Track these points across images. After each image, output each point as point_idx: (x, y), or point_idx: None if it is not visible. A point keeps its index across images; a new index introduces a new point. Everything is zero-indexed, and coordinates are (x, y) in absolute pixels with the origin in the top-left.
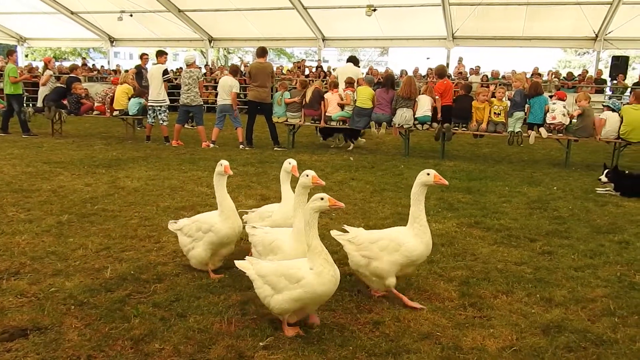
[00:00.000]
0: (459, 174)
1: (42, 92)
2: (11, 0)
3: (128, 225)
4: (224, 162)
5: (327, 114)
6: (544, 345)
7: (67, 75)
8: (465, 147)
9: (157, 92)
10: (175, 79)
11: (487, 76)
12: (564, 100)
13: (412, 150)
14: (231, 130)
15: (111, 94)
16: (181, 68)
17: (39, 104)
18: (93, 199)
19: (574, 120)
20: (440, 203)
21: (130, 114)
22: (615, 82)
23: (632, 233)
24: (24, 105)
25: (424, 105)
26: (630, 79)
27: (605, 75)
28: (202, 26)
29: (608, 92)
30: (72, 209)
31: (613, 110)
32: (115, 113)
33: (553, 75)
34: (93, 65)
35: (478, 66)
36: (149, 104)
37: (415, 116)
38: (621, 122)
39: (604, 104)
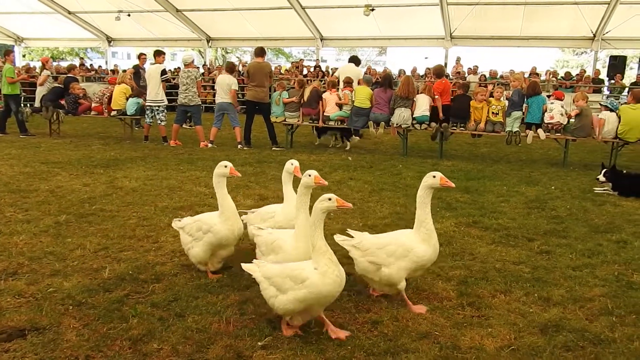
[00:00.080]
0: (457, 174)
1: (40, 92)
2: (8, 0)
3: (126, 225)
4: (229, 164)
5: (325, 113)
6: (542, 345)
7: (65, 76)
8: (463, 147)
9: (155, 92)
10: (173, 78)
11: (485, 76)
12: (561, 100)
13: (411, 150)
14: (229, 130)
15: (108, 94)
16: (179, 68)
17: (37, 104)
18: (91, 199)
19: (572, 120)
20: (438, 203)
21: (128, 114)
22: (612, 81)
23: (629, 232)
24: (22, 105)
25: (422, 105)
26: (628, 78)
27: (603, 75)
28: (200, 26)
29: (606, 91)
30: (70, 209)
31: (611, 110)
32: (113, 113)
33: (551, 75)
34: (91, 65)
35: (476, 66)
36: (147, 104)
37: (414, 116)
38: (619, 121)
39: (602, 103)
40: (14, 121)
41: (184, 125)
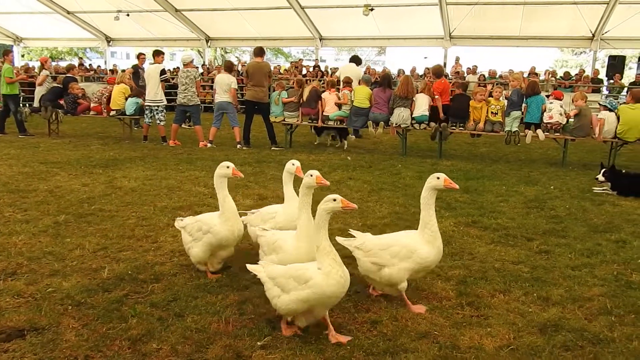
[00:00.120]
0: (457, 174)
1: (39, 92)
2: (7, 0)
3: (125, 225)
4: (231, 165)
5: (324, 113)
6: (541, 344)
7: (64, 75)
8: (462, 147)
9: (155, 92)
10: (173, 78)
11: (484, 76)
12: (560, 100)
13: (410, 150)
14: (228, 130)
15: (107, 94)
16: (178, 68)
17: (36, 104)
18: (90, 199)
19: (571, 120)
20: (437, 202)
21: (127, 113)
22: (612, 81)
23: (628, 232)
24: (21, 105)
25: (422, 105)
26: (627, 78)
27: (602, 75)
28: (199, 26)
29: (605, 91)
30: (69, 209)
31: (610, 110)
32: (112, 113)
33: (550, 75)
34: (90, 65)
35: (475, 66)
36: (146, 103)
37: (413, 116)
38: (618, 121)
39: (601, 103)
40: (13, 121)
41: (183, 125)
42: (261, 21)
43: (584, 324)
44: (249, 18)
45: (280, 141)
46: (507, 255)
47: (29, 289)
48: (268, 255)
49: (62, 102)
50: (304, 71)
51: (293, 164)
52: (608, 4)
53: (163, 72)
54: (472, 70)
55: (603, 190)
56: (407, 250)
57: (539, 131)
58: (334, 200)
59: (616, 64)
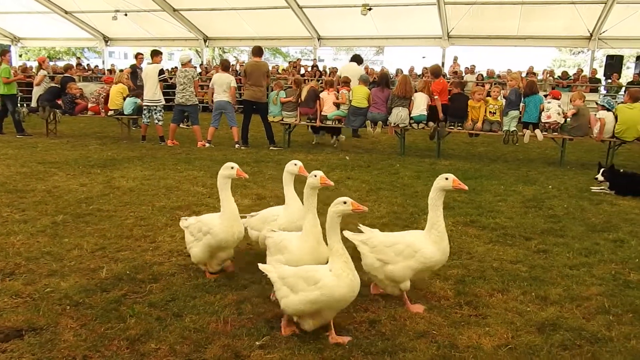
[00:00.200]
0: (455, 173)
1: (36, 92)
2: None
3: (123, 225)
4: (235, 165)
5: (322, 113)
6: (539, 343)
7: (62, 75)
8: (460, 146)
9: (153, 92)
10: (171, 78)
11: (482, 75)
12: (558, 99)
13: (408, 150)
14: (227, 129)
15: (104, 94)
16: (176, 67)
17: (33, 104)
18: (88, 199)
19: (569, 120)
20: None
21: (125, 113)
22: (609, 81)
23: (626, 231)
24: (18, 105)
25: (420, 105)
26: (625, 78)
27: (600, 75)
28: (197, 25)
29: (602, 91)
30: (67, 209)
31: (607, 110)
32: (110, 113)
33: (548, 75)
34: (87, 65)
35: (473, 65)
36: (144, 103)
37: (411, 115)
38: (616, 121)
39: (598, 102)
40: (11, 121)
41: (181, 125)
42: (259, 21)
43: (582, 323)
44: (247, 18)
45: (279, 141)
46: (505, 254)
47: (27, 289)
48: (274, 255)
49: (60, 102)
50: (302, 71)
51: (295, 164)
52: (606, 3)
53: (161, 72)
54: (470, 70)
55: (601, 189)
56: (411, 249)
57: (537, 131)
58: (344, 202)
59: (614, 64)
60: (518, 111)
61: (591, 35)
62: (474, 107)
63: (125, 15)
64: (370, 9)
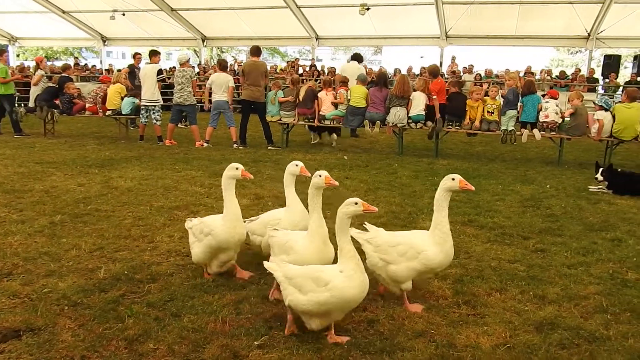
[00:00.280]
0: (453, 173)
1: (34, 92)
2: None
3: (121, 225)
4: (240, 166)
5: (321, 112)
6: (537, 343)
7: (59, 75)
8: (458, 146)
9: (152, 92)
10: (169, 78)
11: (480, 75)
12: (556, 99)
13: (406, 149)
14: (225, 129)
15: (102, 94)
16: (174, 67)
17: (31, 104)
18: (86, 199)
19: (567, 119)
20: (433, 201)
21: (123, 113)
22: (607, 80)
23: (624, 230)
24: (16, 105)
25: (419, 104)
26: (622, 77)
27: (598, 74)
28: (195, 25)
29: (600, 90)
30: (65, 209)
31: (605, 110)
32: (108, 113)
33: (546, 74)
34: (85, 64)
35: (471, 65)
36: (142, 103)
37: (409, 115)
38: (613, 120)
39: (596, 102)
40: (9, 121)
41: (179, 125)
42: (257, 20)
43: (580, 322)
44: (245, 17)
45: (277, 141)
46: (504, 254)
47: (25, 290)
48: (278, 255)
49: (57, 102)
50: (300, 70)
51: (296, 165)
52: (603, 3)
53: (160, 72)
54: (469, 70)
55: (599, 189)
56: (414, 250)
57: (535, 131)
58: (356, 203)
59: (611, 63)
60: (516, 111)
61: (589, 35)
62: (472, 106)
63: (123, 15)
64: (368, 9)
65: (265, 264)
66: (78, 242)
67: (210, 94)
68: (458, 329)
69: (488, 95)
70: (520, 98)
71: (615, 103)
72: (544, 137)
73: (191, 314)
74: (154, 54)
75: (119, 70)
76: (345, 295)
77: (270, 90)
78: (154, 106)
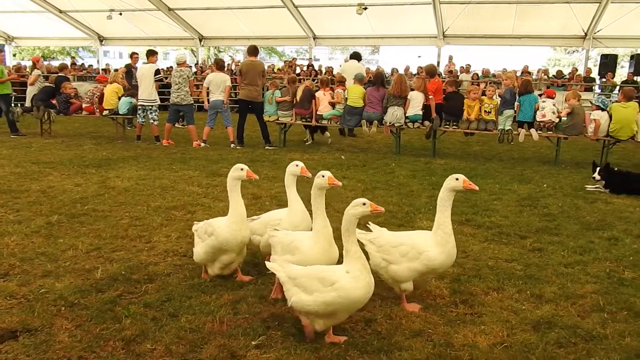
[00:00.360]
0: (450, 172)
1: (31, 91)
2: None
3: (119, 226)
4: (245, 167)
5: (318, 112)
6: (534, 341)
7: (56, 75)
8: (456, 145)
9: (149, 92)
10: (166, 78)
11: (477, 74)
12: (553, 98)
13: (404, 149)
14: (222, 129)
15: (99, 94)
16: (171, 67)
17: (27, 103)
18: (83, 199)
19: (564, 118)
20: (431, 201)
21: (120, 113)
22: (604, 80)
23: (621, 230)
24: (12, 105)
25: (416, 104)
26: (619, 77)
27: (595, 74)
28: (193, 25)
29: (597, 90)
30: (61, 210)
31: (602, 109)
32: (105, 112)
33: (543, 74)
34: (82, 64)
35: (468, 64)
36: (139, 103)
37: (407, 115)
38: (610, 120)
39: (593, 102)
40: (5, 121)
41: (176, 125)
42: (255, 20)
43: (577, 321)
44: (243, 17)
45: (274, 140)
46: (501, 253)
47: (22, 290)
48: (282, 255)
49: (54, 101)
50: (298, 70)
51: (297, 165)
52: (600, 3)
53: (157, 72)
54: (466, 69)
55: (596, 188)
56: (415, 251)
57: (533, 130)
58: (364, 204)
59: (608, 63)
60: (513, 110)
61: (586, 34)
62: (469, 105)
63: (120, 14)
64: (365, 9)
65: (268, 264)
66: (75, 243)
67: (207, 94)
68: (455, 328)
69: (485, 95)
70: (517, 97)
71: (612, 102)
72: (540, 136)
73: (189, 314)
74: (151, 54)
75: (116, 70)
76: (351, 296)
77: (267, 90)
78: (151, 106)
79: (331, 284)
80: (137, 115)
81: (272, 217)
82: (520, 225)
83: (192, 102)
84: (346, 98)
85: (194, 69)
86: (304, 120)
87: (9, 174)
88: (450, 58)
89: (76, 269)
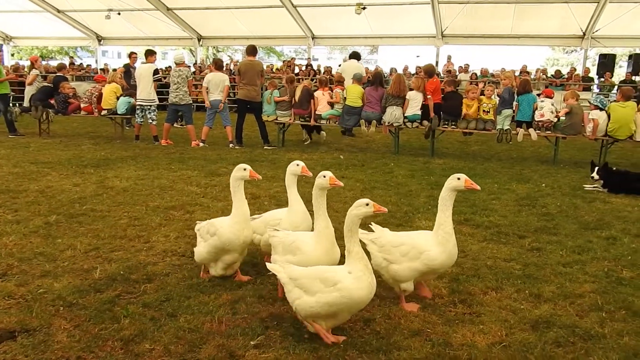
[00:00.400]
0: (449, 172)
1: (29, 91)
2: None
3: (117, 225)
4: (248, 167)
5: (317, 112)
6: (533, 341)
7: (54, 75)
8: (454, 145)
9: (148, 92)
10: (165, 77)
11: (476, 74)
12: (551, 98)
13: (402, 148)
14: (221, 129)
15: (97, 93)
16: (170, 67)
17: (26, 103)
18: (81, 199)
19: (562, 118)
20: (429, 200)
21: (118, 113)
22: (602, 79)
23: (619, 229)
24: (11, 105)
25: (415, 104)
26: (617, 76)
27: (593, 73)
28: (191, 24)
29: (595, 89)
30: (60, 210)
31: (600, 109)
32: (103, 112)
33: (541, 73)
34: (80, 64)
35: (467, 64)
36: (138, 103)
37: (405, 115)
38: (608, 119)
39: (591, 101)
40: (3, 121)
41: (175, 125)
42: (253, 20)
43: (575, 320)
44: (241, 17)
45: (273, 140)
46: (499, 252)
47: (20, 290)
48: (283, 256)
49: (52, 101)
50: (297, 70)
51: (297, 165)
52: (598, 2)
53: (156, 71)
54: (464, 69)
55: (594, 187)
56: (416, 250)
57: (531, 130)
58: (367, 204)
59: (606, 63)
60: (511, 110)
61: (584, 34)
62: (468, 105)
63: (119, 14)
64: (364, 8)
65: (268, 265)
66: (73, 243)
67: (207, 94)
68: (454, 327)
69: (484, 95)
70: (515, 97)
71: (611, 102)
72: (539, 136)
73: (187, 314)
74: (149, 54)
75: (115, 70)
76: (354, 296)
77: (266, 89)
78: (150, 106)
79: (333, 285)
80: (136, 115)
81: (273, 216)
82: (518, 225)
83: (191, 101)
84: (345, 98)
85: (192, 69)
86: (302, 120)
87: (7, 174)
88: (449, 58)
89: (74, 269)
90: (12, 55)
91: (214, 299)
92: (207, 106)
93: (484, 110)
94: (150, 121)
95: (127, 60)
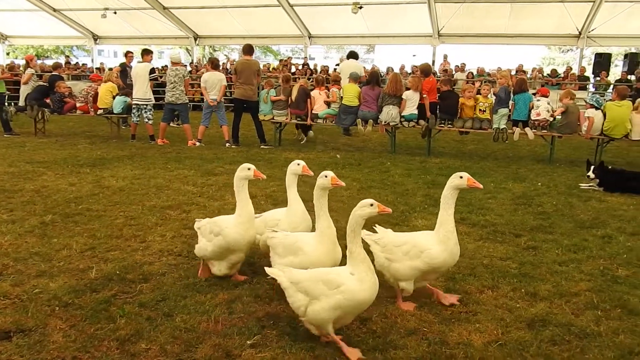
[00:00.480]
0: (445, 171)
1: (24, 90)
2: None
3: (113, 225)
4: (252, 167)
5: (313, 111)
6: (528, 339)
7: (50, 74)
8: (450, 144)
9: (144, 91)
10: (161, 77)
11: (472, 73)
12: (547, 97)
13: (399, 148)
14: (217, 128)
15: (93, 93)
16: (166, 66)
17: (21, 102)
18: (77, 198)
19: (558, 117)
20: (426, 199)
21: (115, 112)
22: (598, 79)
23: (614, 227)
24: (6, 104)
25: (412, 103)
26: (613, 75)
27: (589, 73)
28: (188, 23)
29: (591, 89)
30: (55, 209)
31: (596, 108)
32: (99, 112)
33: (537, 72)
34: (76, 63)
35: (463, 63)
36: (134, 102)
37: (402, 114)
38: (604, 118)
39: (587, 100)
40: None
41: (171, 124)
42: (250, 19)
43: (571, 319)
44: (238, 16)
45: (269, 139)
46: (495, 251)
47: (15, 290)
48: (284, 257)
49: (48, 100)
50: (293, 69)
51: (298, 164)
52: (594, 2)
53: (152, 71)
54: (461, 68)
55: (590, 186)
56: (417, 249)
57: (528, 129)
58: (371, 205)
59: (602, 62)
60: (508, 109)
61: (580, 33)
62: (465, 104)
63: (115, 13)
64: (360, 7)
65: (267, 269)
66: (69, 242)
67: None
68: (450, 326)
69: (480, 94)
70: (511, 96)
71: (606, 101)
72: (535, 135)
73: (183, 314)
74: (146, 53)
75: (111, 69)
76: (357, 298)
77: (262, 89)
78: (146, 105)
79: (337, 287)
80: (132, 115)
81: (272, 216)
82: (514, 224)
83: (187, 101)
84: (341, 97)
85: (189, 68)
86: (299, 119)
87: (2, 173)
88: (445, 57)
89: (70, 269)
90: (8, 54)
91: (211, 299)
92: (210, 103)
93: (480, 110)
94: (147, 120)
95: (123, 60)
